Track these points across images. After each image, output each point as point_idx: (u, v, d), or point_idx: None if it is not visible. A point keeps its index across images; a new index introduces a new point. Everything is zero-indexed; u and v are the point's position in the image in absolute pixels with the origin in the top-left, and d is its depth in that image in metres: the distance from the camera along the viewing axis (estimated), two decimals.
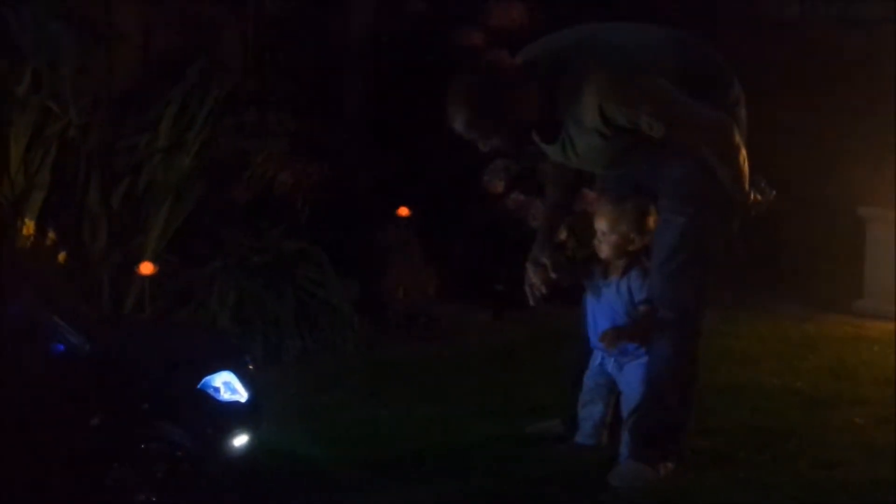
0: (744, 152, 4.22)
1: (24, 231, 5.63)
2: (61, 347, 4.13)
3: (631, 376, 4.48)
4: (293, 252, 6.38)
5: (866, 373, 5.74)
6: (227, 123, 6.58)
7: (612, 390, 4.61)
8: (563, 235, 6.84)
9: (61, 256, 5.71)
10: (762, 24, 7.76)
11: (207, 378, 4.25)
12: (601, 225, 4.49)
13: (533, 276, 4.58)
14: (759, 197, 4.30)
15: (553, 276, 4.53)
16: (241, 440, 4.26)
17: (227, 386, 4.29)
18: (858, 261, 7.23)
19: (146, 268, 5.77)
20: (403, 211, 7.00)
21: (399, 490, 4.28)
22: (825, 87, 7.52)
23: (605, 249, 4.51)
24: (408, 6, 7.96)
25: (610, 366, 4.56)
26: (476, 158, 7.19)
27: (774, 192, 4.34)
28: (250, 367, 4.57)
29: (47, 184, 5.84)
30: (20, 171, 5.78)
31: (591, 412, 4.64)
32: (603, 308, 4.53)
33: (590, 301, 4.59)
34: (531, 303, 4.62)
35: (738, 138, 4.20)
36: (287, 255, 6.36)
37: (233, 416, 4.27)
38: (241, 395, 4.30)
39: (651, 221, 4.43)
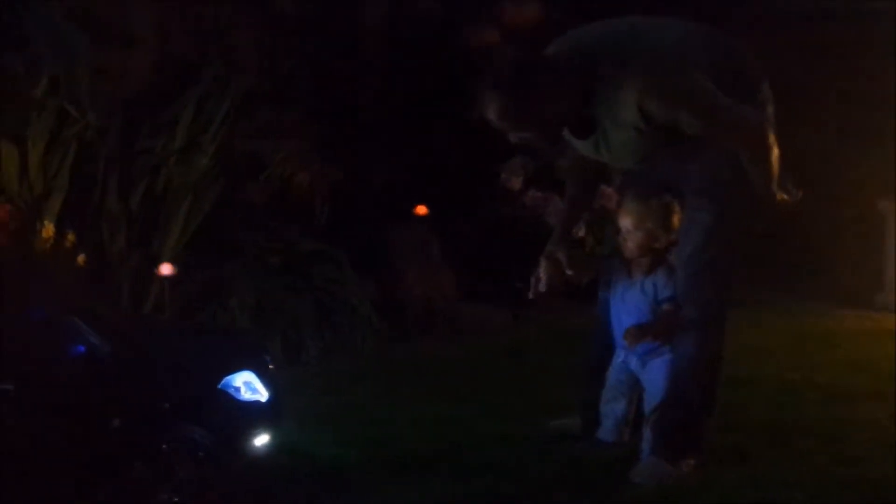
0: (776, 152, 4.18)
1: (44, 233, 5.65)
2: (82, 349, 4.14)
3: (654, 373, 4.46)
4: (311, 252, 6.40)
5: (886, 367, 5.73)
6: (243, 124, 6.60)
7: (634, 387, 4.59)
8: (580, 232, 6.84)
9: (81, 258, 5.72)
10: (779, 18, 7.75)
11: (228, 378, 4.26)
12: (626, 222, 4.44)
13: (543, 271, 4.53)
14: (785, 197, 4.28)
15: (568, 272, 4.50)
16: (261, 440, 4.27)
17: (248, 386, 4.30)
18: (878, 255, 7.22)
19: (166, 268, 5.79)
20: (421, 210, 7.01)
21: (420, 489, 4.26)
22: (845, 81, 7.51)
23: (629, 247, 4.46)
24: (421, 5, 7.97)
25: (633, 363, 4.54)
26: (493, 156, 7.23)
27: (801, 193, 4.32)
28: (270, 366, 4.58)
29: (66, 186, 5.86)
30: (39, 173, 5.80)
31: (612, 409, 4.63)
32: (627, 307, 4.49)
33: (613, 300, 4.55)
34: (530, 295, 4.56)
35: (772, 138, 4.17)
36: (305, 256, 6.38)
37: (253, 415, 4.28)
38: (262, 394, 4.31)
39: (676, 219, 4.39)
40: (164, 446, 4.10)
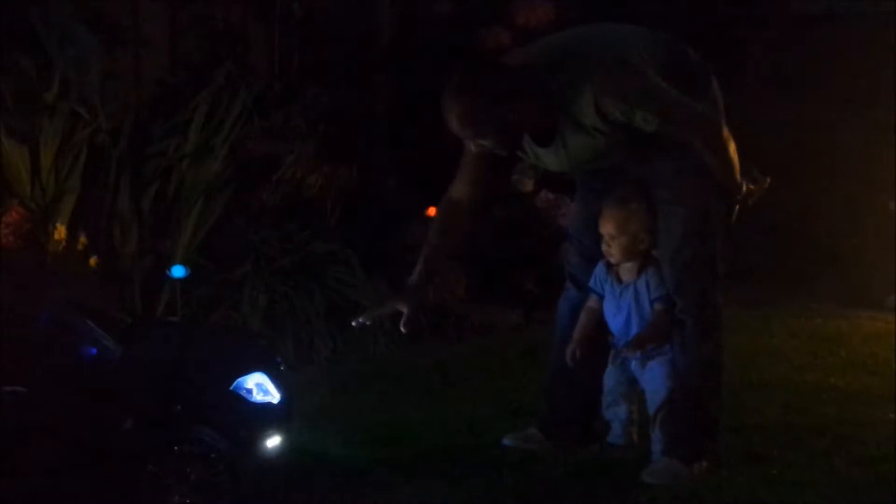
0: (733, 144, 4.23)
1: (56, 236, 5.66)
2: (94, 351, 4.15)
3: (654, 373, 4.41)
4: (323, 253, 6.40)
5: None
6: (255, 126, 6.60)
7: (633, 388, 4.55)
8: None
9: (92, 261, 5.73)
10: (790, 20, 7.74)
11: (240, 380, 4.26)
12: (608, 229, 4.39)
13: (374, 310, 4.52)
14: (752, 186, 4.30)
15: (403, 329, 4.32)
16: (273, 441, 4.27)
17: (260, 387, 4.29)
18: (890, 256, 7.19)
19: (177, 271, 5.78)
20: (432, 211, 6.98)
21: (430, 490, 4.27)
22: (855, 82, 7.49)
23: (615, 253, 4.40)
24: (434, 6, 7.96)
25: (633, 365, 4.50)
26: (504, 158, 7.21)
27: (769, 180, 4.34)
28: (282, 368, 4.58)
29: (78, 189, 5.86)
30: (51, 176, 5.81)
31: (616, 412, 4.59)
32: (623, 312, 4.43)
33: (606, 307, 4.49)
34: (353, 323, 4.49)
35: (726, 131, 4.22)
36: (317, 257, 6.37)
37: (265, 417, 4.28)
38: (274, 396, 4.31)
39: (656, 218, 4.38)
40: (175, 448, 4.11)
